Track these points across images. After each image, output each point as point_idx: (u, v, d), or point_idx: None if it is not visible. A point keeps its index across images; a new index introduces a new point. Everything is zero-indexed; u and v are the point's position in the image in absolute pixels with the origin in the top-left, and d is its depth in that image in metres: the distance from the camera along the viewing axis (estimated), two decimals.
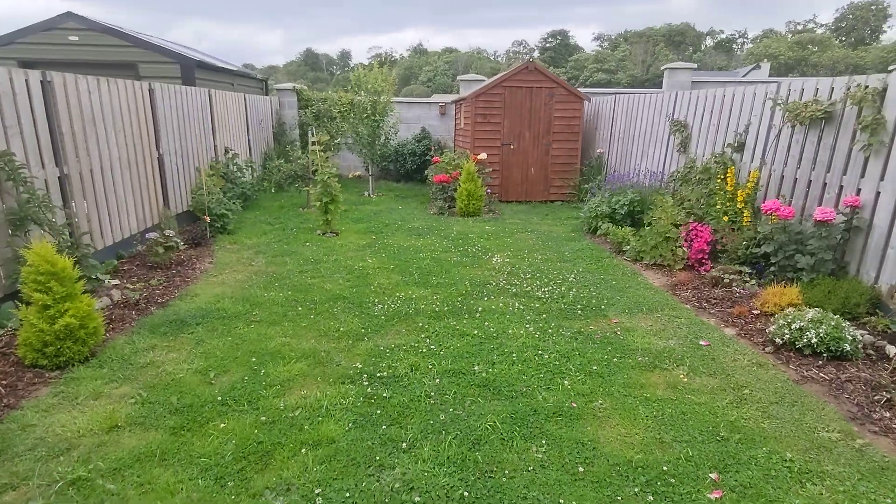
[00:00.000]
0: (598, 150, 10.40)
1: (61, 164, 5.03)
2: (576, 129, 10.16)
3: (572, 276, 5.86)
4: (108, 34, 9.38)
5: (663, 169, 8.07)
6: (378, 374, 3.61)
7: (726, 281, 5.32)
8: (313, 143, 7.77)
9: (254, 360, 3.82)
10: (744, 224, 5.65)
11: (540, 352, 3.96)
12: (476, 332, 4.31)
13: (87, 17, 9.37)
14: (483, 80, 12.53)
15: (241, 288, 5.36)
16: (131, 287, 5.07)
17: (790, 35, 74.77)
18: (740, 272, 5.36)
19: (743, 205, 5.73)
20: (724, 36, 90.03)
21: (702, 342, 4.17)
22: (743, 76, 34.64)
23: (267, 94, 14.03)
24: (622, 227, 7.17)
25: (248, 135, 11.24)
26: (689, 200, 6.77)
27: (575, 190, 10.28)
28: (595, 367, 3.74)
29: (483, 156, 9.69)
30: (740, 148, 6.36)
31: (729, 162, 6.42)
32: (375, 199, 10.72)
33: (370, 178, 11.10)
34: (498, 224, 8.49)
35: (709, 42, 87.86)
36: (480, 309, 4.83)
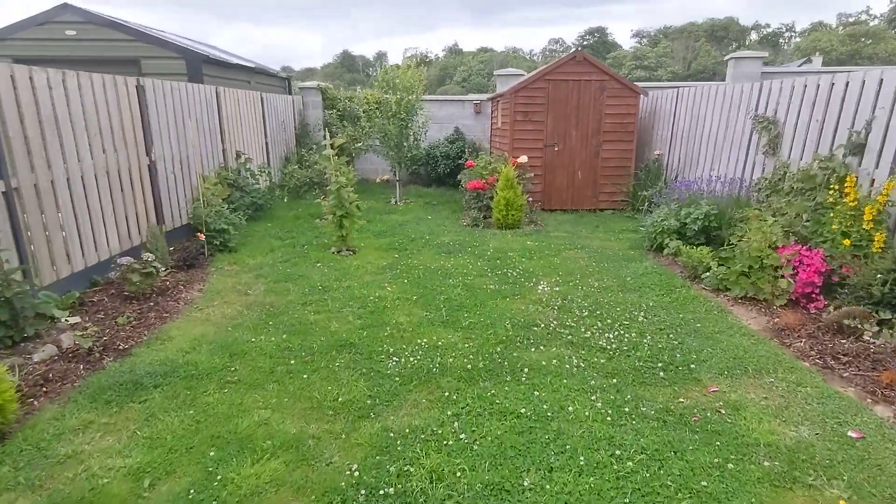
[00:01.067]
0: (655, 152, 9.06)
1: (6, 176, 4.09)
2: (630, 128, 8.85)
3: (641, 313, 4.62)
4: (109, 27, 8.59)
5: (742, 175, 6.71)
6: (381, 492, 2.47)
7: (855, 327, 3.99)
8: (326, 147, 6.73)
9: (213, 452, 2.74)
10: (875, 251, 4.30)
11: (617, 450, 2.75)
12: (523, 408, 3.13)
13: (86, 8, 8.59)
14: (522, 75, 11.31)
15: (226, 328, 4.32)
16: (84, 331, 4.08)
17: (841, 28, 70.56)
18: (874, 314, 4.03)
19: (872, 225, 4.38)
20: (769, 30, 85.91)
21: (851, 433, 2.90)
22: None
23: (290, 94, 13.14)
24: (695, 245, 5.87)
25: (266, 137, 10.32)
26: (783, 215, 5.42)
27: (628, 197, 8.97)
28: (704, 483, 2.52)
29: (523, 159, 8.49)
30: (858, 150, 4.99)
31: (841, 168, 5.05)
32: (402, 206, 9.64)
33: (397, 183, 10.02)
34: (541, 238, 7.28)
35: (753, 37, 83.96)
36: (527, 366, 3.65)
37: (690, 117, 8.13)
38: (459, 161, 11.54)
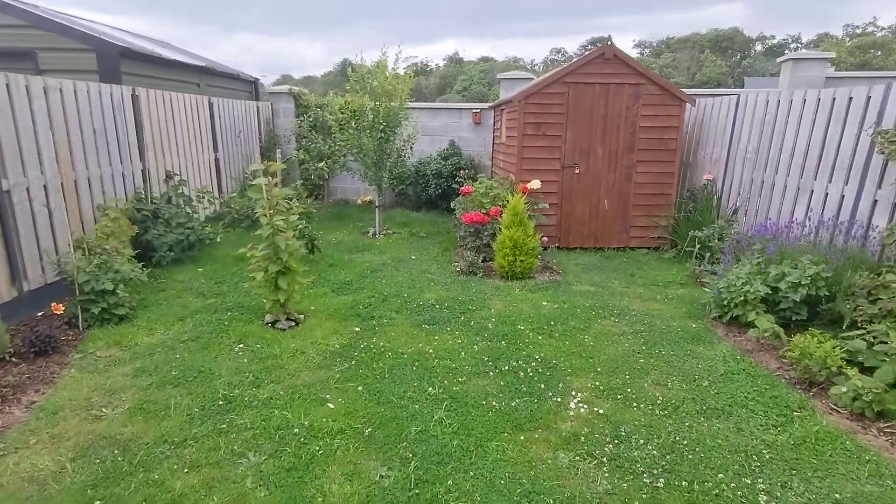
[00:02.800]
0: (704, 177, 7.11)
1: None
2: (672, 145, 6.92)
3: (752, 475, 2.66)
4: None
5: (853, 216, 4.74)
6: None
7: None
8: (255, 174, 4.82)
9: None
10: None
11: None
12: None
13: None
14: (531, 79, 9.41)
15: None
16: None
17: (848, 39, 68.94)
18: None
19: None
20: (775, 41, 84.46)
21: None
22: None
23: (258, 100, 11.24)
24: (790, 320, 3.92)
25: (217, 152, 8.40)
26: None
27: (668, 234, 7.02)
28: None
29: (535, 184, 6.54)
30: None
31: None
32: (381, 241, 7.69)
33: (377, 210, 8.08)
34: (561, 296, 5.32)
35: (759, 48, 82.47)
36: None
37: (759, 132, 6.19)
38: (455, 181, 9.62)
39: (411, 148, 8.17)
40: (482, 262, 6.26)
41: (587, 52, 7.17)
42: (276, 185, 4.50)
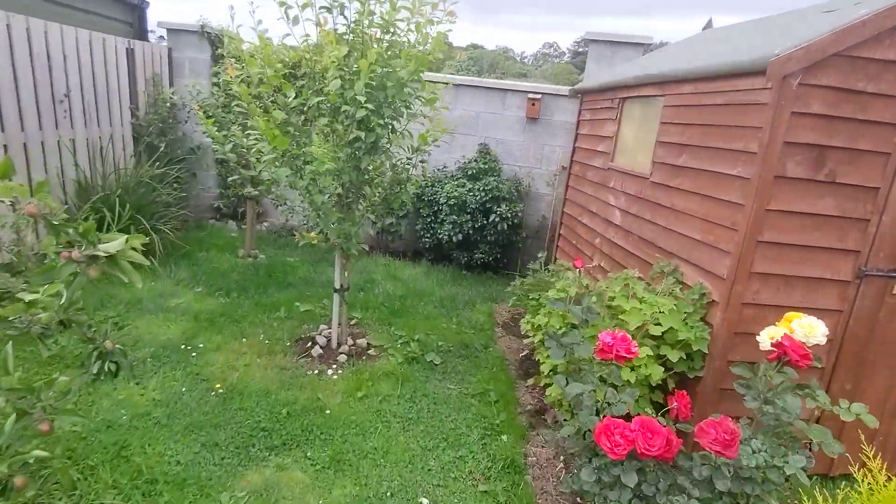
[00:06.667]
0: None
1: None
2: None
3: None
4: None
5: None
6: None
7: None
8: None
9: None
10: None
11: None
12: None
13: None
14: (646, 45, 5.05)
15: None
16: None
17: None
18: None
19: None
20: None
21: None
22: None
23: (144, 38, 6.54)
24: None
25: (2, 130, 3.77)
26: None
27: None
28: None
29: (815, 332, 2.14)
30: None
31: None
32: (339, 385, 3.23)
33: (337, 298, 3.56)
34: None
35: None
36: None
37: None
38: (489, 217, 5.26)
39: (422, 164, 3.67)
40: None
41: None
42: None
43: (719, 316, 2.48)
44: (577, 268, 2.43)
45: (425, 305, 4.66)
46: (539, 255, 4.22)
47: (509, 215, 5.33)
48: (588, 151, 4.48)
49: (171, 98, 5.84)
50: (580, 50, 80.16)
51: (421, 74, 2.97)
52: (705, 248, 2.65)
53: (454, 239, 5.43)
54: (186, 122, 6.05)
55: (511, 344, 4.15)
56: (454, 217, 5.41)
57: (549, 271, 3.83)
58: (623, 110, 3.84)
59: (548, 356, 2.78)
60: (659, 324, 2.50)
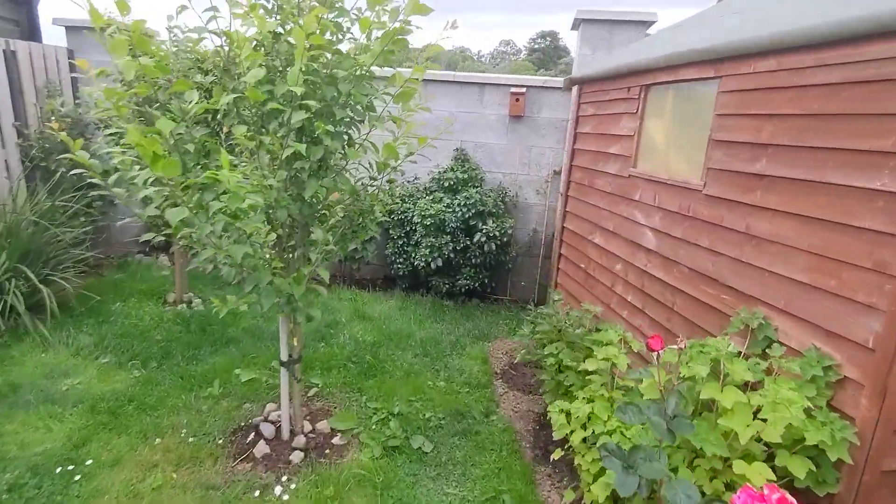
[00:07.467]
0: None
1: None
2: None
3: None
4: None
5: None
6: None
7: None
8: None
9: None
10: None
11: None
12: None
13: None
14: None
15: None
16: None
17: None
18: None
19: None
20: None
21: None
22: None
23: (36, 39, 5.37)
24: None
25: None
26: None
27: None
28: None
29: None
30: None
31: None
32: None
33: (286, 373, 2.59)
34: None
35: None
36: None
37: None
38: (473, 237, 4.36)
39: (389, 185, 2.74)
40: None
41: None
42: None
43: (865, 405, 1.63)
44: (652, 350, 1.53)
45: (404, 354, 3.72)
46: (546, 285, 3.33)
47: (497, 233, 4.43)
48: (594, 154, 3.61)
49: (61, 110, 4.70)
50: (536, 46, 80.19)
51: (391, 57, 2.05)
52: (822, 297, 1.80)
53: (432, 265, 4.50)
54: (93, 138, 4.93)
55: (518, 403, 3.25)
56: (431, 239, 4.48)
57: (567, 315, 2.93)
58: (646, 100, 2.98)
59: (599, 468, 1.88)
60: (795, 429, 1.62)
